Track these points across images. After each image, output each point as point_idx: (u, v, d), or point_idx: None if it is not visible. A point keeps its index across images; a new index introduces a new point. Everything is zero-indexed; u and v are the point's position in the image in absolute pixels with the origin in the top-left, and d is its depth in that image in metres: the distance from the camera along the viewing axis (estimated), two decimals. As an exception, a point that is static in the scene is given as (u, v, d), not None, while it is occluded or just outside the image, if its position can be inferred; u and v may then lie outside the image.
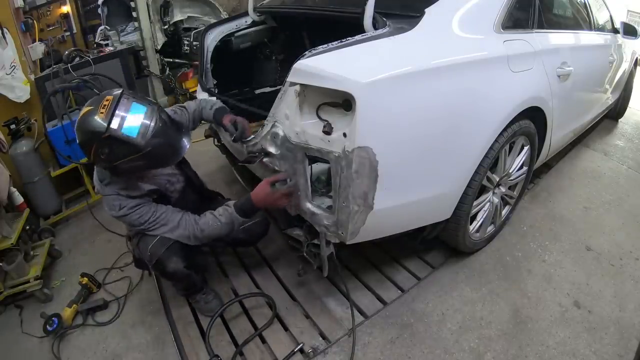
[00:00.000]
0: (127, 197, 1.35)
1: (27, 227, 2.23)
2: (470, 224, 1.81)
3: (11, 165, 2.34)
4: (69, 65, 2.69)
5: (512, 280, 1.84)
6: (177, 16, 4.15)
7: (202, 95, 2.14)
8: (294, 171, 1.39)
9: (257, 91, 2.61)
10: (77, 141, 1.20)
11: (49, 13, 3.94)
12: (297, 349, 1.54)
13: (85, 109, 1.19)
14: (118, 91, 1.20)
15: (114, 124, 1.13)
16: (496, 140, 1.56)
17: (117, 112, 1.14)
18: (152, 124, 1.18)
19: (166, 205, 1.46)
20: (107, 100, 1.16)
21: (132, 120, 1.16)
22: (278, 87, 1.47)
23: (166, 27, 4.05)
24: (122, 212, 1.34)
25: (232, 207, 1.45)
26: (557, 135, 2.11)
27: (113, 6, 3.98)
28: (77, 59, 2.89)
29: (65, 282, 2.07)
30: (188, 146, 1.32)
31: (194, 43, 3.96)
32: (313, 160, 1.36)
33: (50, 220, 2.51)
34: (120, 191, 1.34)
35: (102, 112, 1.14)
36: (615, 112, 3.60)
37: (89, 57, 2.86)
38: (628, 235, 2.12)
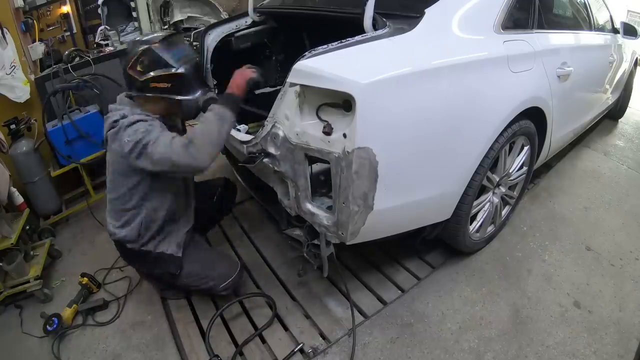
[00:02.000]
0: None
1: (27, 227, 2.22)
2: (470, 224, 1.81)
3: (11, 165, 2.33)
4: (69, 65, 2.68)
5: (512, 280, 1.84)
6: (177, 16, 4.14)
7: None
8: (294, 171, 1.39)
9: (257, 91, 2.60)
10: (127, 51, 1.40)
11: (49, 13, 3.94)
12: (297, 349, 1.54)
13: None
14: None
15: (161, 43, 1.37)
16: (496, 141, 1.56)
17: (169, 38, 1.40)
18: (188, 59, 1.41)
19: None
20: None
21: (177, 48, 1.41)
22: (278, 88, 1.47)
23: (166, 27, 4.04)
24: (132, 122, 1.33)
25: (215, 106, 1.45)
26: (557, 135, 2.11)
27: (113, 6, 3.97)
28: (77, 59, 2.88)
29: (65, 282, 2.06)
30: (202, 97, 1.44)
31: (194, 43, 3.94)
32: (313, 160, 1.36)
33: (50, 220, 2.51)
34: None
35: (156, 40, 1.39)
36: (615, 112, 3.60)
37: (89, 57, 2.85)
38: (628, 235, 2.12)
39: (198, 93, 1.43)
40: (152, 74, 1.35)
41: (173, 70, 1.36)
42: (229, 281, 1.63)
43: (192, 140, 1.30)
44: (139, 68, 1.35)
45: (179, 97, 1.40)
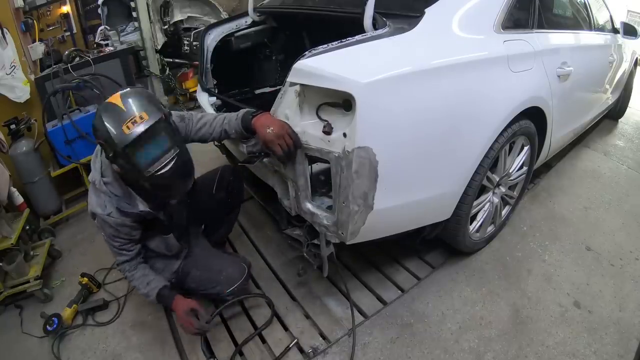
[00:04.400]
0: (117, 210, 1.34)
1: (27, 227, 2.22)
2: (470, 224, 1.81)
3: (11, 165, 2.33)
4: (69, 65, 2.69)
5: (512, 280, 1.84)
6: (177, 16, 4.15)
7: (202, 95, 2.14)
8: (294, 171, 1.39)
9: (257, 91, 2.61)
10: (93, 126, 1.18)
11: (49, 13, 3.94)
12: (292, 344, 1.54)
13: (117, 102, 1.18)
14: (156, 113, 1.18)
15: (134, 146, 1.14)
16: (496, 141, 1.56)
17: (142, 135, 1.14)
18: (166, 165, 1.19)
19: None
20: (140, 117, 1.15)
21: (150, 152, 1.17)
22: (278, 87, 1.46)
23: (166, 27, 4.05)
24: (106, 217, 1.33)
25: (157, 289, 1.50)
26: (557, 135, 2.11)
27: (113, 6, 3.98)
28: (77, 59, 2.89)
29: (65, 282, 2.06)
30: (189, 187, 1.34)
31: (194, 43, 3.96)
32: (313, 160, 1.36)
33: (50, 220, 2.51)
34: (114, 199, 1.33)
35: (128, 126, 1.13)
36: (615, 112, 3.60)
37: (89, 57, 2.86)
38: (628, 235, 2.12)
39: (183, 186, 1.33)
40: (124, 172, 1.26)
41: (146, 181, 1.20)
42: (236, 286, 1.62)
43: (130, 281, 1.50)
44: (110, 157, 1.22)
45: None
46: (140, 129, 1.14)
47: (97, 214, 1.35)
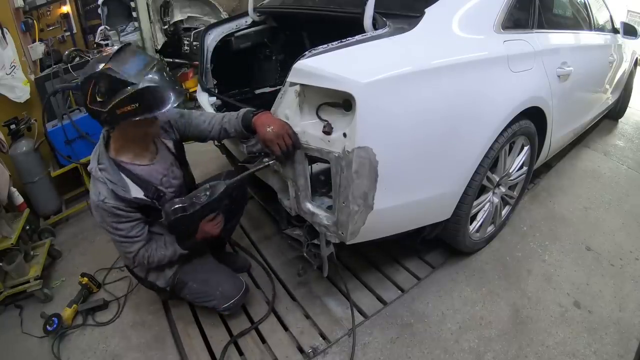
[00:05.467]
0: (112, 194, 1.33)
1: (27, 227, 2.23)
2: (470, 224, 1.81)
3: (11, 165, 2.34)
4: (69, 65, 2.69)
5: (512, 280, 1.84)
6: (177, 16, 4.15)
7: (202, 95, 2.14)
8: (294, 171, 1.39)
9: (257, 91, 2.61)
10: (82, 85, 1.24)
11: (49, 13, 3.94)
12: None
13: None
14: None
15: (114, 60, 1.21)
16: (496, 141, 1.56)
17: (120, 53, 1.23)
18: (149, 68, 1.25)
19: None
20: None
21: (133, 61, 1.23)
22: (278, 87, 1.46)
23: (166, 27, 4.05)
24: (101, 204, 1.32)
25: (175, 241, 1.50)
26: (557, 135, 2.11)
27: (113, 6, 3.98)
28: (77, 59, 2.89)
29: (65, 282, 2.06)
30: (177, 101, 1.28)
31: (194, 43, 3.96)
32: (313, 160, 1.36)
33: (50, 220, 2.51)
34: (109, 185, 1.32)
35: (107, 51, 1.27)
36: (615, 112, 3.60)
37: (89, 57, 2.86)
38: (628, 235, 2.12)
39: (172, 99, 1.26)
40: (115, 99, 1.18)
41: (137, 88, 1.18)
42: (232, 302, 1.60)
43: (139, 257, 1.44)
44: (99, 98, 1.20)
45: (154, 114, 1.25)
46: (117, 49, 1.25)
47: (93, 203, 1.34)
